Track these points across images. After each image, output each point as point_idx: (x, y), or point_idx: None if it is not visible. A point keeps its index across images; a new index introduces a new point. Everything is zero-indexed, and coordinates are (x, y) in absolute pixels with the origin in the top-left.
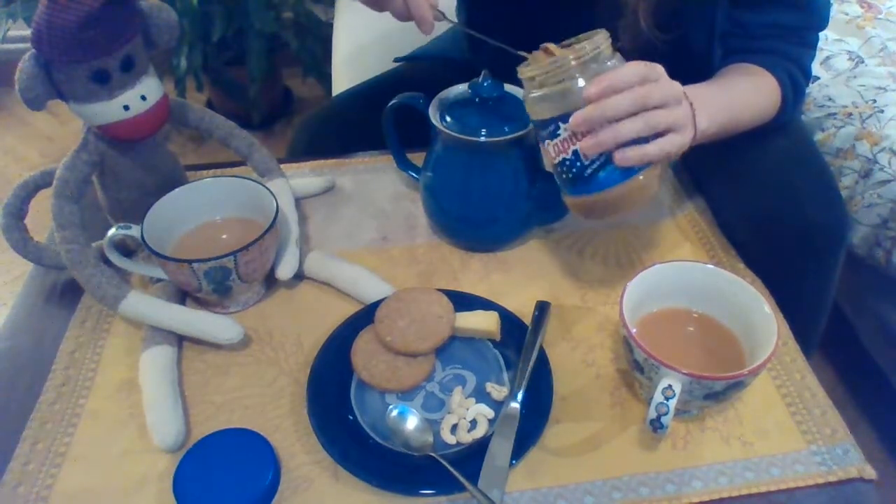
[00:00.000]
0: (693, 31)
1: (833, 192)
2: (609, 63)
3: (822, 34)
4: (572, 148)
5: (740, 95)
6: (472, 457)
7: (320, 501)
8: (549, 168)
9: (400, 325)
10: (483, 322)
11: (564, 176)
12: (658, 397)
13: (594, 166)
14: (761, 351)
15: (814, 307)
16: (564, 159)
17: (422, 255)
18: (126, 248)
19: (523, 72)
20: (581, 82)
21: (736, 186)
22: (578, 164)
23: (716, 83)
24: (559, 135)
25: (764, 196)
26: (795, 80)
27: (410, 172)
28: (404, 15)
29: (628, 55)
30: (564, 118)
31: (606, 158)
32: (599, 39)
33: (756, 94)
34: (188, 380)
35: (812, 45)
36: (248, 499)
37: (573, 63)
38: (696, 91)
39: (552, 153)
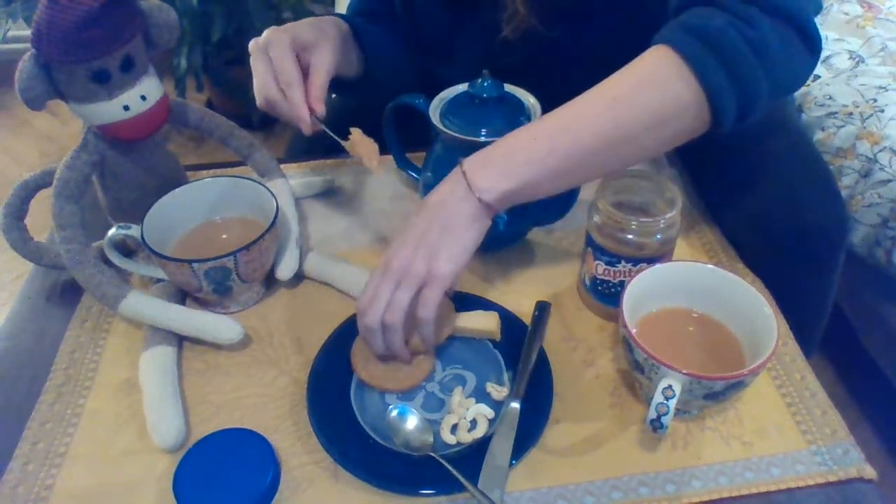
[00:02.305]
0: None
1: (833, 194)
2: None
3: (822, 34)
4: (622, 279)
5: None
6: (472, 457)
7: (320, 501)
8: (583, 273)
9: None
10: (483, 322)
11: (600, 288)
12: (658, 397)
13: None
14: (761, 351)
15: (814, 308)
16: (609, 281)
17: None
18: (126, 248)
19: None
20: (659, 236)
21: (735, 187)
22: (619, 289)
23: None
24: (616, 266)
25: (763, 197)
26: (726, 35)
27: (410, 172)
28: (288, 116)
29: (513, 46)
30: (629, 259)
31: None
32: (676, 214)
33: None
34: (188, 380)
35: None
36: (248, 499)
37: (662, 225)
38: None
39: (598, 271)
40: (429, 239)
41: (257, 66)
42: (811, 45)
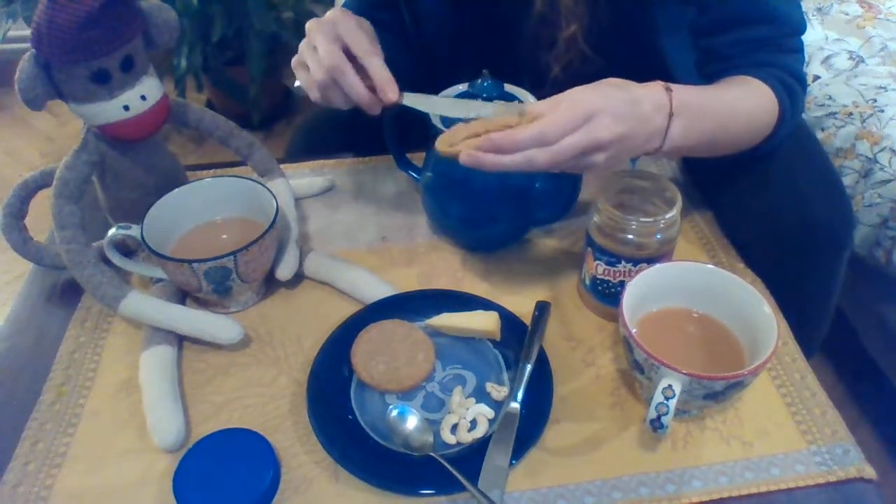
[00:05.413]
0: (634, 56)
1: (837, 191)
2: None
3: (822, 34)
4: (622, 279)
5: (729, 103)
6: (472, 457)
7: (320, 501)
8: (583, 273)
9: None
10: (483, 322)
11: (600, 288)
12: (658, 397)
13: None
14: (761, 351)
15: (817, 309)
16: (609, 281)
17: (422, 255)
18: (126, 248)
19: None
20: (659, 236)
21: (738, 185)
22: (619, 289)
23: (705, 89)
24: (616, 266)
25: (767, 195)
26: (788, 85)
27: (410, 172)
28: (354, 88)
29: (560, 85)
30: (629, 259)
31: None
32: (676, 214)
33: (747, 101)
34: (188, 380)
35: (796, 50)
36: (248, 499)
37: (661, 225)
38: (685, 96)
39: (598, 271)
40: None
41: (320, 39)
42: (804, 88)
